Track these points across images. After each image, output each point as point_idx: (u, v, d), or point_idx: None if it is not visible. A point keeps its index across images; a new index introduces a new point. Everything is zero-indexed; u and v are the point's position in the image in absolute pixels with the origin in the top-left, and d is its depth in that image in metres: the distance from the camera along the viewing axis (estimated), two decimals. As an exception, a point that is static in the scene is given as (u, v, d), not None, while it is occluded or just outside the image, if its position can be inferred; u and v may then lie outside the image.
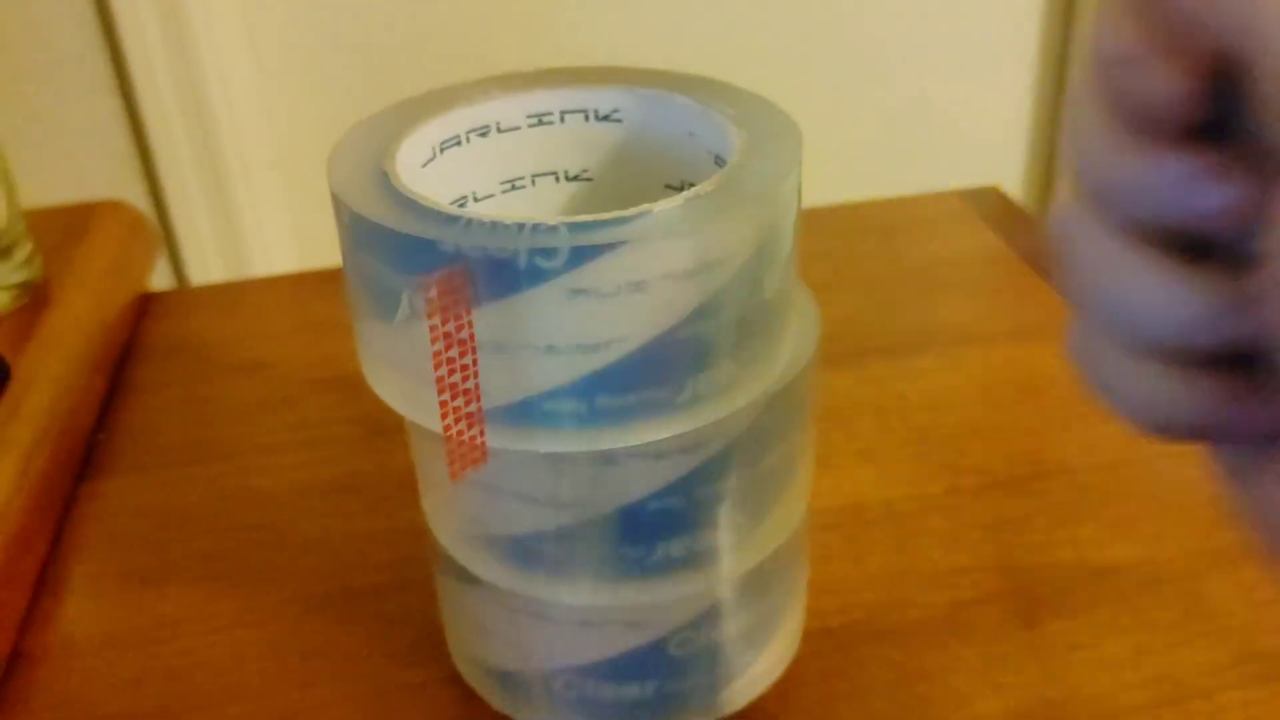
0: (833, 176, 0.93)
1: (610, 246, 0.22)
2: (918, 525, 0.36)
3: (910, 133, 0.94)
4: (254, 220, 0.83)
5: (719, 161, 0.27)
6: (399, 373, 0.24)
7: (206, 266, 0.83)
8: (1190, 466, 0.38)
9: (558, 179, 0.30)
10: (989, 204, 0.56)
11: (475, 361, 0.23)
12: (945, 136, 0.96)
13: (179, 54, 0.75)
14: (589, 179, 0.30)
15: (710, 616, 0.28)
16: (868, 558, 0.35)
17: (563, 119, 0.29)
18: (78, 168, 0.79)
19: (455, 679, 0.32)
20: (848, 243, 0.53)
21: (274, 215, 0.85)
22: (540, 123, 0.29)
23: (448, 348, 0.22)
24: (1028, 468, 0.38)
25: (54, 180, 0.78)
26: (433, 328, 0.22)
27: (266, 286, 0.56)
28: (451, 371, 0.23)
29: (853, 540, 0.36)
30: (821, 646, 0.32)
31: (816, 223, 0.55)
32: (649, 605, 0.27)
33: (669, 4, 0.85)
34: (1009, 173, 1.00)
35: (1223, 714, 0.30)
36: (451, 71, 0.30)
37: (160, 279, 0.82)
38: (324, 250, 0.89)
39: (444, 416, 0.23)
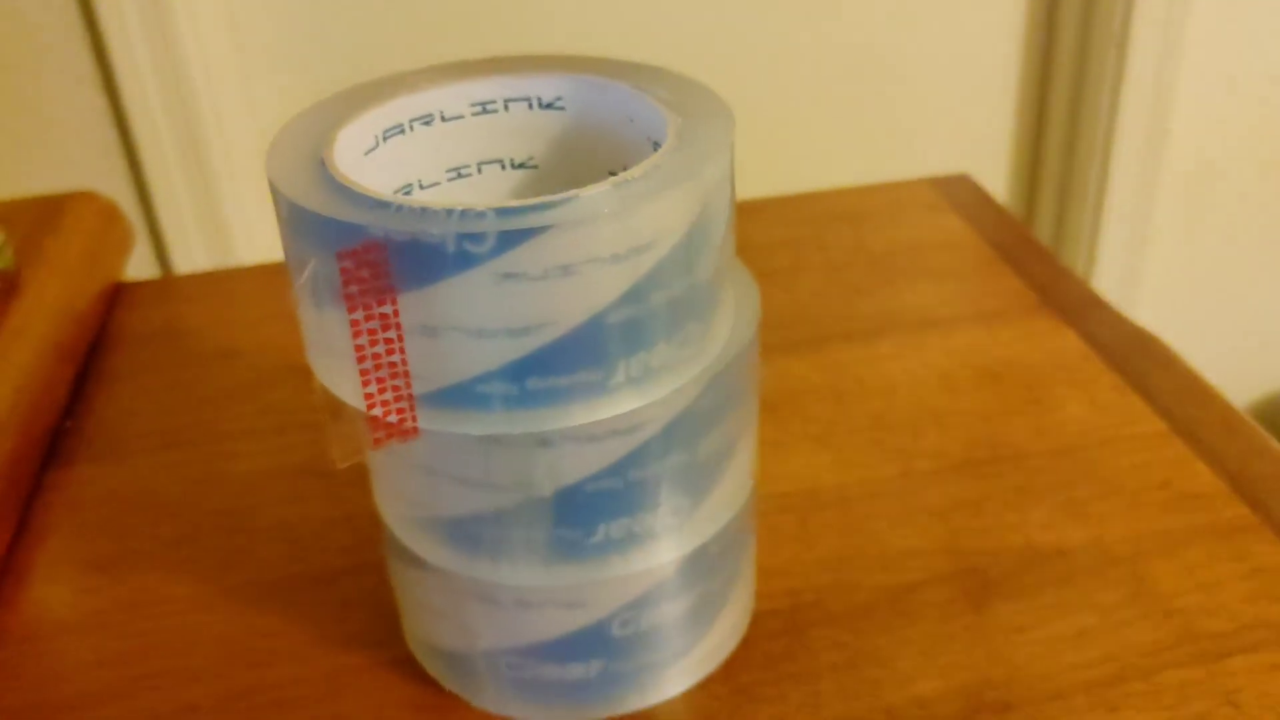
0: (814, 166, 0.93)
1: (537, 230, 0.22)
2: (870, 509, 0.37)
3: (894, 122, 0.95)
4: (238, 211, 0.83)
5: (657, 147, 0.27)
6: (332, 355, 0.25)
7: (191, 256, 0.83)
8: (1139, 451, 0.38)
9: (504, 167, 0.30)
10: (959, 192, 0.56)
11: (400, 337, 0.23)
12: (929, 126, 0.96)
13: (161, 45, 0.75)
14: (534, 166, 0.30)
15: (652, 597, 0.28)
16: (819, 541, 0.35)
17: (506, 107, 0.29)
18: (61, 159, 0.79)
19: (408, 660, 0.32)
20: (815, 229, 0.53)
21: (258, 205, 0.85)
22: (484, 111, 0.29)
23: (368, 319, 0.23)
24: (982, 452, 0.39)
25: (38, 172, 0.79)
26: (349, 301, 0.22)
27: (244, 276, 0.56)
28: (374, 344, 0.23)
29: (804, 524, 0.36)
30: (770, 628, 0.33)
31: (785, 210, 0.56)
32: (590, 586, 0.27)
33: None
34: (993, 162, 1.00)
35: (1161, 693, 0.30)
36: (431, 62, 0.30)
37: (145, 269, 0.82)
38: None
39: (365, 384, 0.23)
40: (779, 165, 0.91)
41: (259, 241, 0.85)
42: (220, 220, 0.83)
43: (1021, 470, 0.38)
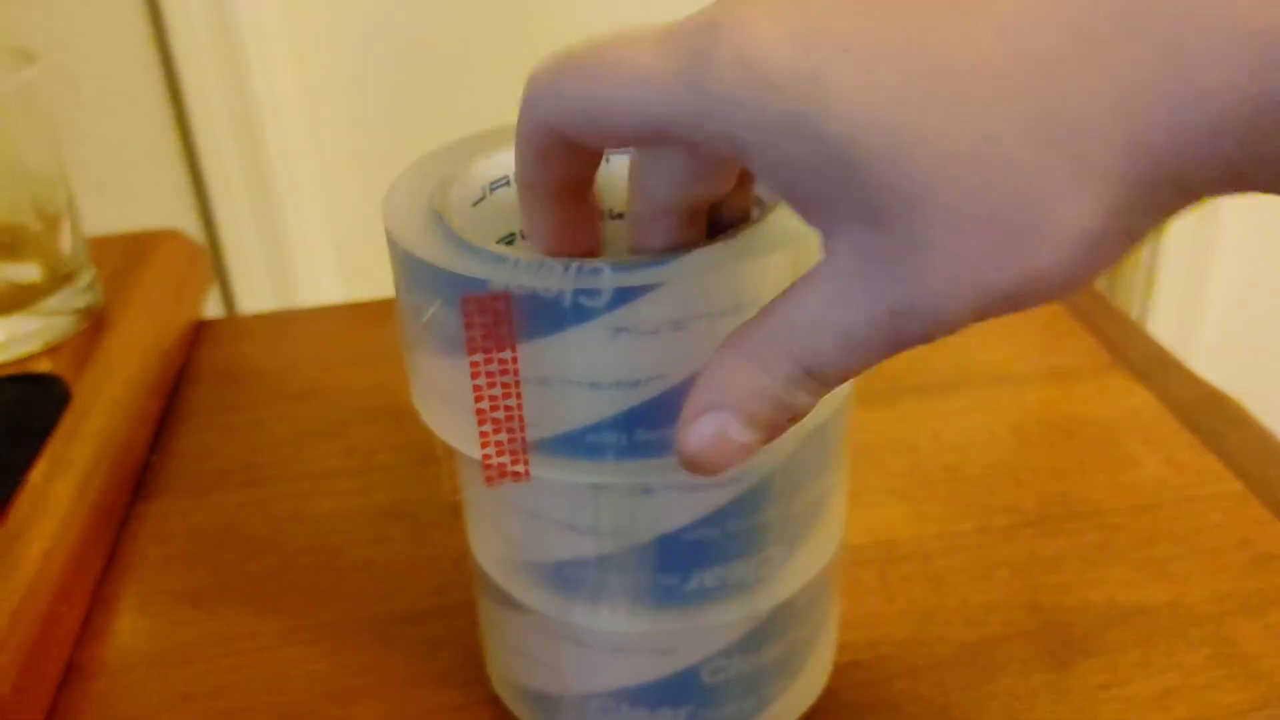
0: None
1: (651, 287, 0.23)
2: (949, 563, 0.37)
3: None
4: (302, 252, 0.85)
5: (757, 203, 0.28)
6: (445, 402, 0.25)
7: (255, 295, 0.85)
8: (1217, 511, 0.38)
9: (603, 218, 0.31)
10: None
11: (517, 384, 0.24)
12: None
13: (235, 94, 0.77)
14: (631, 218, 0.31)
15: (742, 646, 0.29)
16: (899, 594, 0.36)
17: (608, 160, 0.30)
18: (137, 199, 0.81)
19: (494, 701, 0.33)
20: (885, 283, 0.54)
21: (321, 248, 0.87)
22: (586, 165, 0.30)
23: (486, 364, 0.23)
24: (1059, 508, 0.39)
25: (114, 210, 0.81)
26: (470, 346, 0.23)
27: (316, 316, 0.57)
28: (491, 387, 0.24)
29: (884, 577, 0.36)
30: (853, 679, 0.33)
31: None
32: (683, 633, 0.28)
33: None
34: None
35: (1248, 756, 0.30)
36: (494, 113, 0.31)
37: (211, 307, 0.84)
38: (369, 281, 0.91)
39: (481, 426, 0.24)
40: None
41: (321, 282, 0.87)
42: (284, 261, 0.84)
43: (1100, 528, 0.38)
